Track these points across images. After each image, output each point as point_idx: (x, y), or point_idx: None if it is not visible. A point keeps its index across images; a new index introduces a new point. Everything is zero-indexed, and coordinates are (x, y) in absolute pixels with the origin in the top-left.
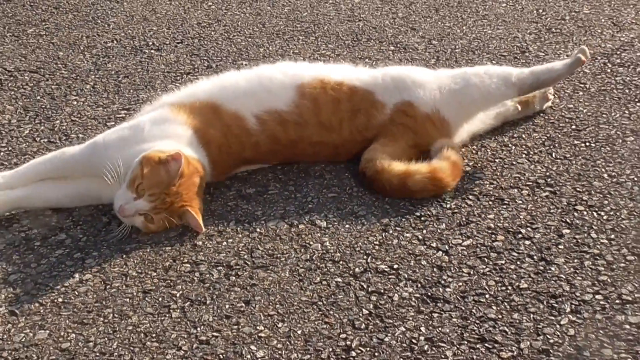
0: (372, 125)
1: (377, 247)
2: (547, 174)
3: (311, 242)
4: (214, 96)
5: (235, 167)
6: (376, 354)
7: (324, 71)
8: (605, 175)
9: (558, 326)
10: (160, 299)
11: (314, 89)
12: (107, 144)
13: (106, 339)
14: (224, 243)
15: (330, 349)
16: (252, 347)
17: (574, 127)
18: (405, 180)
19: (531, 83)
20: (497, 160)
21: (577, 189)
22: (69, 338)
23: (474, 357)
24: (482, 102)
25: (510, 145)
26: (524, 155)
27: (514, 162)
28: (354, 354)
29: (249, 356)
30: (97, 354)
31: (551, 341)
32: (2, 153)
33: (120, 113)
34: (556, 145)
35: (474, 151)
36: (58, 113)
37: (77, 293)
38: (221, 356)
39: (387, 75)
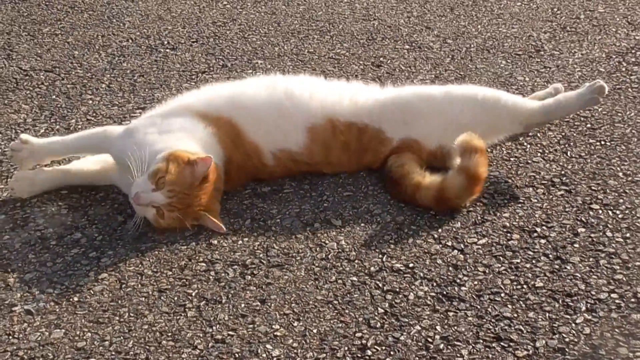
0: (379, 159)
1: (392, 246)
2: (563, 172)
3: (327, 241)
4: (237, 117)
5: (246, 183)
6: (392, 352)
7: (334, 104)
8: (620, 174)
9: (574, 325)
10: (175, 298)
11: (324, 133)
12: (135, 139)
13: (122, 338)
14: (240, 242)
15: (346, 348)
16: (268, 346)
17: (589, 125)
18: (414, 193)
19: (539, 122)
20: (512, 159)
21: (593, 188)
22: (84, 337)
23: (490, 355)
24: (488, 136)
25: (525, 143)
26: (539, 154)
27: (529, 161)
28: (369, 352)
29: (264, 355)
30: (113, 353)
31: (567, 340)
32: None
33: (136, 112)
34: (571, 143)
35: (488, 150)
36: (73, 112)
37: (92, 292)
38: (237, 355)
39: (396, 105)
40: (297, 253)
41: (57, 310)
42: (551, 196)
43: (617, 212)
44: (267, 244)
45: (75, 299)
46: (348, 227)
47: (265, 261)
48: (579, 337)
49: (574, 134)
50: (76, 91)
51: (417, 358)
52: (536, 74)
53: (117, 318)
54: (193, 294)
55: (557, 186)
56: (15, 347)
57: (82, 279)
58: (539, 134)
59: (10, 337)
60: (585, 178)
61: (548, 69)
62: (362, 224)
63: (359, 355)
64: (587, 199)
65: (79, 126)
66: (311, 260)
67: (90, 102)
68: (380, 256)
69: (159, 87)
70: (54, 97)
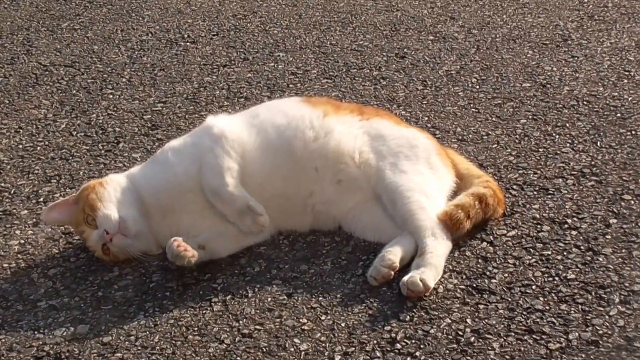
0: None
1: None
2: (592, 163)
3: (352, 234)
4: None
5: None
6: (422, 346)
7: None
8: None
9: (607, 317)
10: (201, 292)
11: None
12: None
13: (147, 332)
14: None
15: (375, 341)
16: (296, 340)
17: (619, 115)
18: None
19: None
20: (540, 149)
21: (624, 178)
22: (110, 332)
23: (522, 348)
24: None
25: (554, 134)
26: (568, 144)
27: (558, 152)
28: (399, 346)
29: (292, 349)
30: (139, 348)
31: (600, 332)
32: (39, 147)
33: (157, 106)
34: (601, 133)
35: (517, 140)
36: (94, 107)
37: (117, 287)
38: (264, 349)
39: None
40: (322, 246)
41: (82, 305)
42: (581, 187)
43: None
44: (292, 238)
45: (100, 294)
46: None
47: (290, 255)
48: (612, 330)
49: (604, 124)
50: (96, 86)
51: (447, 351)
52: (564, 63)
53: (143, 313)
54: (218, 288)
55: (587, 177)
56: (40, 342)
57: (106, 273)
58: (567, 124)
59: (36, 332)
60: (616, 168)
61: (576, 58)
62: None
63: (389, 348)
64: (619, 190)
65: (100, 121)
66: (337, 253)
67: (111, 96)
68: None
69: (179, 80)
70: (74, 92)
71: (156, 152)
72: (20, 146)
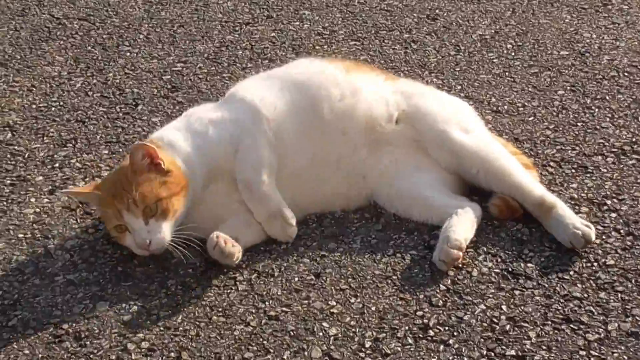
0: None
1: None
2: (634, 139)
3: (383, 211)
4: None
5: None
6: (455, 333)
7: None
8: None
9: None
10: (225, 270)
11: None
12: None
13: (170, 312)
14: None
15: (407, 327)
16: (324, 323)
17: None
18: None
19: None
20: (579, 123)
21: None
22: (130, 310)
23: (559, 338)
24: None
25: (593, 107)
26: (607, 119)
27: (598, 127)
28: (431, 333)
29: (320, 334)
30: (162, 329)
31: None
32: (53, 108)
33: (177, 66)
34: None
35: (554, 113)
36: (110, 65)
37: (137, 262)
38: (292, 333)
39: None
40: (352, 223)
41: (101, 281)
42: (622, 166)
43: None
44: (320, 214)
45: (120, 269)
46: None
47: (318, 231)
48: None
49: None
50: (112, 42)
51: (482, 339)
52: (604, 30)
53: (165, 291)
54: (243, 266)
55: (628, 155)
56: (59, 320)
57: (126, 247)
58: (607, 97)
59: (54, 308)
60: None
61: (616, 25)
62: None
63: (421, 335)
64: None
65: (117, 80)
66: (367, 231)
67: (128, 54)
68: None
69: (200, 38)
70: (89, 48)
71: (190, 117)
72: (34, 106)
